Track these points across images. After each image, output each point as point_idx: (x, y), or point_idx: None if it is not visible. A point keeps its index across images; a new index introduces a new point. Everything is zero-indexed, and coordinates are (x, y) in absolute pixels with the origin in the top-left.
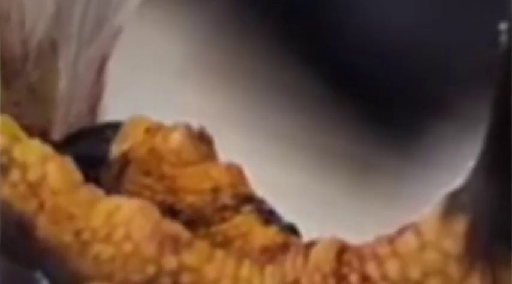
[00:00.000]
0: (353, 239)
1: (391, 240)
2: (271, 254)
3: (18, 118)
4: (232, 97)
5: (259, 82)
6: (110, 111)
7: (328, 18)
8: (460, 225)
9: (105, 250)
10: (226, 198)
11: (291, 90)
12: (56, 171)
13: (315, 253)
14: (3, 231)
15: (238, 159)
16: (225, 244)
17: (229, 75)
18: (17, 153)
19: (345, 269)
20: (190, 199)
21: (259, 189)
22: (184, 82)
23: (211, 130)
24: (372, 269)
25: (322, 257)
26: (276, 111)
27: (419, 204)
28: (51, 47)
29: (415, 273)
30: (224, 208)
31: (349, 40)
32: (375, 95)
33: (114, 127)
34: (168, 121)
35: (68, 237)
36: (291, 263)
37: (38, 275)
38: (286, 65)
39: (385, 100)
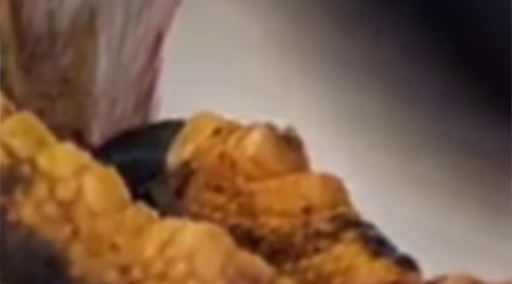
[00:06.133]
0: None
1: None
2: None
3: (44, 115)
4: (328, 86)
5: (359, 67)
6: (166, 106)
7: None
8: None
9: None
10: (321, 222)
11: (391, 78)
12: (95, 185)
13: None
14: (24, 266)
15: (336, 170)
16: (319, 282)
17: (323, 58)
18: (43, 161)
19: None
20: (273, 223)
21: (366, 211)
22: (263, 67)
23: (301, 132)
24: None
25: None
26: (383, 106)
27: None
28: (88, 21)
29: None
30: (318, 235)
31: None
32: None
33: (173, 127)
34: (243, 120)
35: (111, 274)
36: None
37: None
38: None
39: None
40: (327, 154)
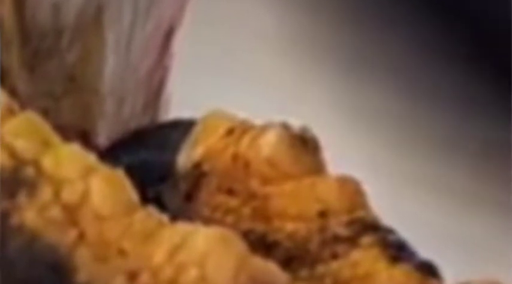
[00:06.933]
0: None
1: None
2: None
3: (49, 115)
4: (343, 84)
5: (376, 65)
6: (177, 105)
7: None
8: None
9: None
10: (338, 226)
11: (408, 76)
12: (102, 188)
13: None
14: (27, 272)
15: (351, 171)
16: None
17: (339, 55)
18: (48, 163)
19: None
20: (289, 227)
21: (379, 212)
22: (278, 63)
23: (316, 131)
24: None
25: None
26: (399, 104)
27: None
28: (94, 16)
29: None
30: (336, 239)
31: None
32: None
33: (183, 127)
34: (257, 119)
35: (119, 280)
36: None
37: None
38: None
39: None
40: (342, 154)
